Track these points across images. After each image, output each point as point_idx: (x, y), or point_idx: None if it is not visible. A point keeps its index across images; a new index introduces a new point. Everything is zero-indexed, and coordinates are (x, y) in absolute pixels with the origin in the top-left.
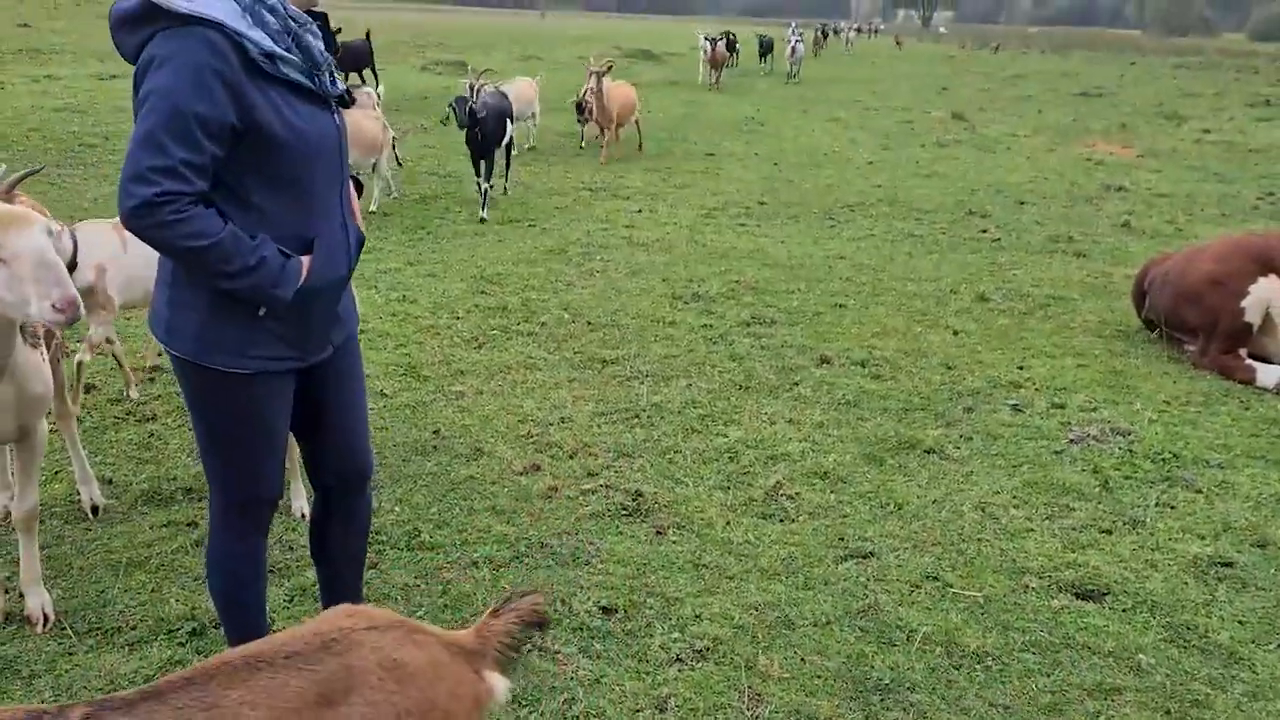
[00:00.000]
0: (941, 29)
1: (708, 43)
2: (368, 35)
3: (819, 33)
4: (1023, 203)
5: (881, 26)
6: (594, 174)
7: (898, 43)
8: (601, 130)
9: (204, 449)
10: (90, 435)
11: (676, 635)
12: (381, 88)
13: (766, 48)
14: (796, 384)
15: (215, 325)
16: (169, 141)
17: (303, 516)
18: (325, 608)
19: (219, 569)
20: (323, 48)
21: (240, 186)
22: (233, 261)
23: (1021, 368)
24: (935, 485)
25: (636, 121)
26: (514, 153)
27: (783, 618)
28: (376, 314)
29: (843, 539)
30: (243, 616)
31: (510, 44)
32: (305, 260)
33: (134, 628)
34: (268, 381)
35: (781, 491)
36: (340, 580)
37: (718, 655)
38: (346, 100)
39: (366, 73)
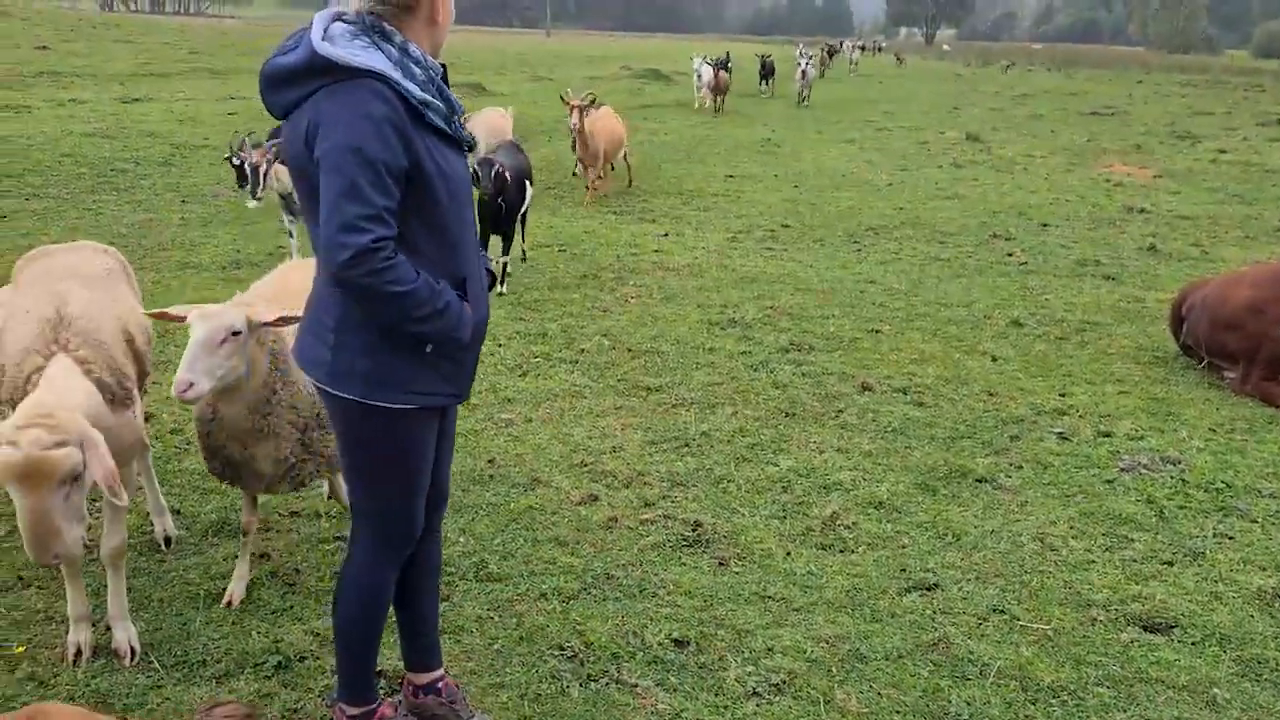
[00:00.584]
0: (945, 46)
1: (707, 67)
2: None
3: (824, 52)
4: (1046, 225)
5: (884, 44)
6: (617, 197)
7: (899, 59)
8: (586, 168)
9: (358, 486)
10: (154, 465)
11: (751, 668)
12: None
13: (768, 70)
14: (841, 411)
15: (384, 365)
16: (369, 190)
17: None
18: (405, 652)
19: (357, 596)
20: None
21: (407, 230)
22: (424, 306)
23: (1063, 395)
24: (991, 515)
25: (625, 156)
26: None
27: (854, 651)
28: None
29: (904, 570)
30: (363, 645)
31: (519, 65)
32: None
33: (219, 661)
34: (429, 416)
35: (839, 522)
36: (422, 622)
37: (794, 689)
38: (472, 144)
39: None
